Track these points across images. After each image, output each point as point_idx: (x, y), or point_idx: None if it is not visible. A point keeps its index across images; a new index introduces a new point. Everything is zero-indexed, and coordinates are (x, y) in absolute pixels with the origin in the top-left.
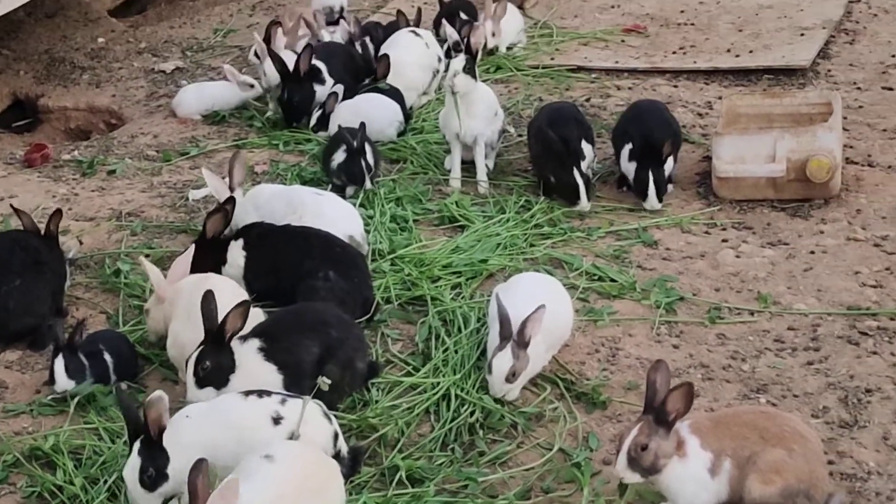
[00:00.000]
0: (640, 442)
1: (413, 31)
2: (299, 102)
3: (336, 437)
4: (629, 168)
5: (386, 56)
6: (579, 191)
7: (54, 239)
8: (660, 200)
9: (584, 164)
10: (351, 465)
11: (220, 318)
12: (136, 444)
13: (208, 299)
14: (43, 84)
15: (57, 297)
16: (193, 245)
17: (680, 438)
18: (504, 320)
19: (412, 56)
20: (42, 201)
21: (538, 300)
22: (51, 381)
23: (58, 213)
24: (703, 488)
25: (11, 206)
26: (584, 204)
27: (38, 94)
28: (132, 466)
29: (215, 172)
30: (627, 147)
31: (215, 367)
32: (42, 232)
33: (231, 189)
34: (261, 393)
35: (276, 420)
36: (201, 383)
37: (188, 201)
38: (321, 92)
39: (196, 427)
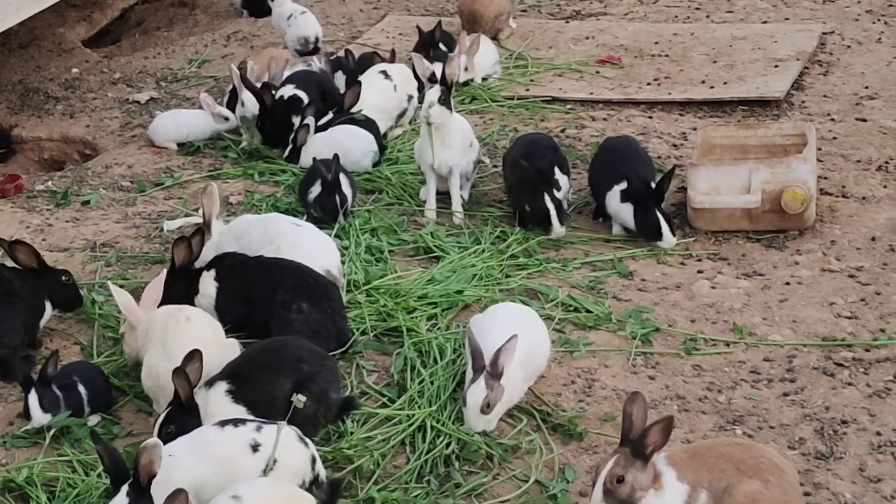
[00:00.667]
0: (616, 474)
1: (383, 72)
2: (276, 130)
3: (314, 461)
4: (621, 208)
5: (358, 83)
6: (551, 216)
7: (33, 271)
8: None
9: (559, 194)
10: (330, 494)
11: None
12: (125, 488)
13: (179, 372)
14: (17, 114)
15: (31, 330)
16: (165, 271)
17: (657, 471)
18: (476, 353)
19: (376, 98)
20: (15, 231)
21: (514, 330)
22: (26, 415)
23: (26, 246)
24: None
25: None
26: (558, 229)
27: (12, 125)
28: None
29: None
30: (618, 187)
31: (179, 432)
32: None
33: (206, 221)
34: (236, 422)
35: (255, 447)
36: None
37: (163, 232)
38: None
39: (181, 465)
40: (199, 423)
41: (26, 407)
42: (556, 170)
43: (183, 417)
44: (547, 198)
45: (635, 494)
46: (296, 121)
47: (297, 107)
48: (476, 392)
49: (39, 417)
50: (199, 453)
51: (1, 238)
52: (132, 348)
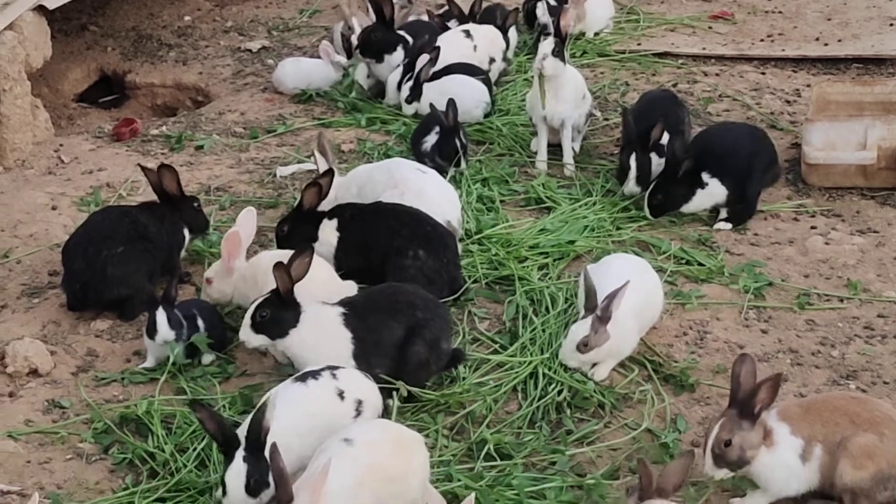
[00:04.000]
0: (723, 438)
1: (466, 31)
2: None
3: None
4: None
5: (436, 48)
6: (629, 174)
7: (169, 203)
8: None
9: (656, 157)
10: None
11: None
12: (239, 453)
13: (280, 266)
14: (130, 60)
15: (173, 262)
16: (249, 210)
17: (767, 427)
18: (590, 293)
19: (455, 58)
20: (131, 174)
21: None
22: (151, 332)
23: (172, 172)
24: (793, 475)
25: (139, 165)
26: (629, 187)
27: (126, 71)
28: (237, 472)
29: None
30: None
31: (272, 318)
32: (179, 193)
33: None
34: (314, 374)
35: (340, 395)
36: (256, 328)
37: (276, 177)
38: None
39: (282, 427)
40: (293, 318)
41: (153, 324)
42: (665, 133)
43: (279, 307)
44: (633, 156)
45: (745, 455)
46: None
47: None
48: (579, 328)
49: (166, 333)
50: (295, 410)
51: (145, 167)
52: (224, 294)
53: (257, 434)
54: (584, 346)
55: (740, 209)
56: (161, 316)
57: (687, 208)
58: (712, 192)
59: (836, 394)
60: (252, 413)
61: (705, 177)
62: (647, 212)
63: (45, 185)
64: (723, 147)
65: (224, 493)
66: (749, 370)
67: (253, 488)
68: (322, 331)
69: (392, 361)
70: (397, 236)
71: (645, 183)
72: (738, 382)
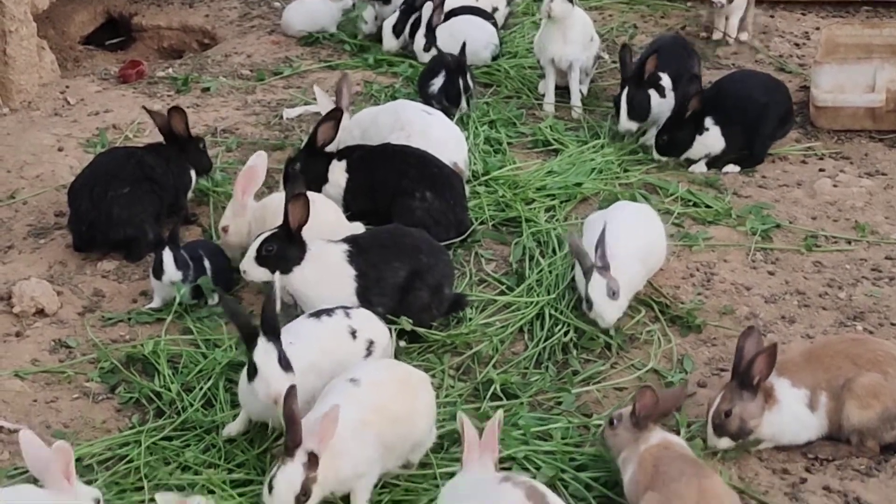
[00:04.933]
0: (723, 409)
1: None
2: None
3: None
4: None
5: None
6: (620, 110)
7: (176, 144)
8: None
9: (656, 95)
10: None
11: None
12: (261, 338)
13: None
14: (136, 3)
15: (181, 204)
16: (260, 154)
17: (768, 388)
18: (580, 254)
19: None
20: (137, 116)
21: (631, 227)
22: (158, 273)
23: (181, 113)
24: (803, 426)
25: (144, 107)
26: (622, 123)
27: (132, 13)
28: (266, 350)
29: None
30: None
31: (277, 253)
32: (187, 134)
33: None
34: (328, 312)
35: (353, 333)
36: (260, 261)
37: (282, 119)
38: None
39: (299, 353)
40: (298, 255)
41: (160, 264)
42: (665, 75)
43: (286, 242)
44: (624, 92)
45: (746, 425)
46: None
47: None
48: (598, 286)
49: (173, 273)
50: (307, 345)
51: (151, 110)
52: (241, 236)
53: (272, 319)
54: (612, 295)
55: (747, 156)
56: (168, 256)
57: (689, 153)
58: (709, 140)
59: (834, 338)
60: (265, 301)
61: (708, 122)
62: (654, 151)
63: (51, 126)
64: (735, 96)
65: (253, 375)
66: (754, 343)
67: (284, 364)
68: (326, 269)
69: (393, 302)
70: (404, 177)
71: (639, 118)
72: (741, 355)
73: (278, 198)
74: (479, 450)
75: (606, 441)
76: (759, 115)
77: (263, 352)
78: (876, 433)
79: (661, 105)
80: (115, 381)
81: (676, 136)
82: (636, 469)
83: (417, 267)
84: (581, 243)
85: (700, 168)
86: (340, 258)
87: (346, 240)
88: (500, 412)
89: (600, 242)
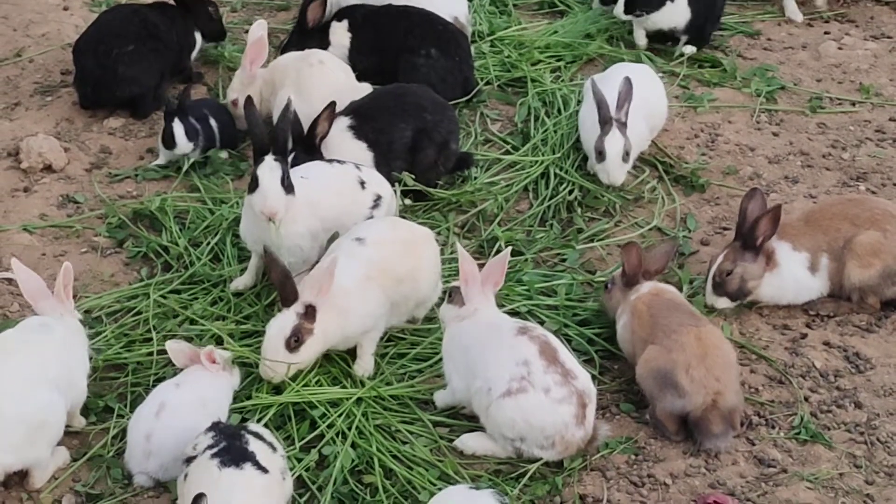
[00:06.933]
0: (725, 269)
1: None
2: None
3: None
4: None
5: None
6: None
7: (182, 6)
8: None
9: None
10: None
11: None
12: (270, 155)
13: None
14: None
15: (184, 64)
16: (258, 24)
17: (769, 251)
18: (601, 103)
19: None
20: None
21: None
22: (170, 144)
23: None
24: (802, 287)
25: None
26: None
27: None
28: (271, 167)
29: None
30: None
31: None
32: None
33: None
34: (339, 161)
35: (362, 184)
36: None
37: None
38: None
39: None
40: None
41: (171, 136)
42: None
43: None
44: None
45: (746, 285)
46: None
47: None
48: (616, 141)
49: (184, 146)
50: (320, 181)
51: None
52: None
53: (284, 140)
54: (626, 157)
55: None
56: (178, 128)
57: (654, 17)
58: (675, 10)
59: (832, 199)
60: (277, 119)
61: None
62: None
63: None
64: None
65: (254, 189)
66: (757, 205)
67: (287, 185)
68: (335, 149)
69: (405, 164)
70: (409, 35)
71: None
72: (744, 217)
73: (285, 59)
74: (482, 282)
75: (605, 305)
76: None
77: (268, 168)
78: (877, 290)
79: None
80: (122, 236)
81: None
82: (629, 317)
83: (422, 125)
84: (602, 94)
85: (689, 49)
86: (348, 136)
87: (347, 111)
88: (507, 249)
89: (624, 98)
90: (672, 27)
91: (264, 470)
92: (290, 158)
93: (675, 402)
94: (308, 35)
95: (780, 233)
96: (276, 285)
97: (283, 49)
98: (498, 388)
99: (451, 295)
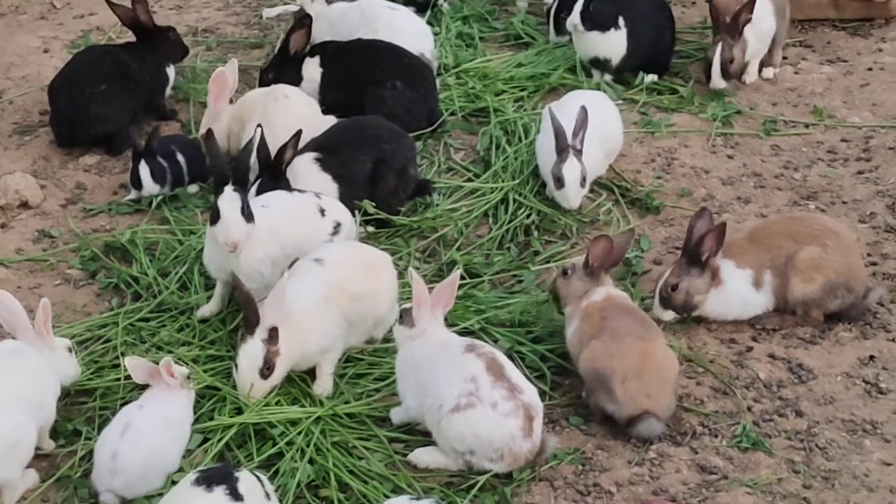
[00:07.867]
0: (671, 283)
1: None
2: None
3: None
4: None
5: None
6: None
7: (148, 41)
8: None
9: None
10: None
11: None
12: (230, 186)
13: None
14: None
15: (158, 102)
16: (230, 62)
17: (714, 268)
18: (558, 132)
19: None
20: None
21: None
22: (137, 185)
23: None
24: (748, 303)
25: (107, 1)
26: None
27: None
28: (231, 198)
29: None
30: None
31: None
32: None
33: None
34: (300, 190)
35: (322, 212)
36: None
37: (262, 19)
38: None
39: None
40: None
41: (137, 178)
42: None
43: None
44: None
45: (692, 300)
46: None
47: None
48: (573, 168)
49: (150, 187)
50: (281, 210)
51: (113, 3)
52: (220, 141)
53: (245, 171)
54: (583, 182)
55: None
56: (144, 170)
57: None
58: (613, 38)
59: (774, 217)
60: (241, 150)
61: (620, 21)
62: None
63: (37, 29)
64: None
65: (216, 220)
66: (705, 223)
67: (247, 214)
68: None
69: (366, 193)
70: (376, 68)
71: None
72: (692, 234)
73: (252, 95)
74: (431, 304)
75: (559, 290)
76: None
77: (228, 199)
78: (820, 303)
79: None
80: (94, 268)
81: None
82: (581, 322)
83: (381, 155)
84: (560, 123)
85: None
86: (315, 169)
87: (311, 147)
88: (456, 272)
89: (580, 126)
90: (607, 57)
91: None
92: (255, 186)
93: (607, 405)
94: (288, 63)
95: (725, 251)
96: (242, 309)
97: (262, 74)
98: (447, 404)
99: (403, 316)
